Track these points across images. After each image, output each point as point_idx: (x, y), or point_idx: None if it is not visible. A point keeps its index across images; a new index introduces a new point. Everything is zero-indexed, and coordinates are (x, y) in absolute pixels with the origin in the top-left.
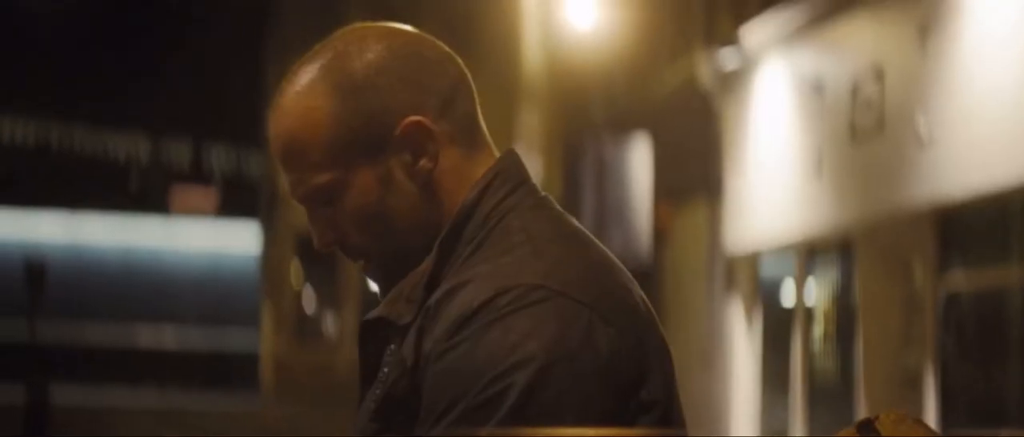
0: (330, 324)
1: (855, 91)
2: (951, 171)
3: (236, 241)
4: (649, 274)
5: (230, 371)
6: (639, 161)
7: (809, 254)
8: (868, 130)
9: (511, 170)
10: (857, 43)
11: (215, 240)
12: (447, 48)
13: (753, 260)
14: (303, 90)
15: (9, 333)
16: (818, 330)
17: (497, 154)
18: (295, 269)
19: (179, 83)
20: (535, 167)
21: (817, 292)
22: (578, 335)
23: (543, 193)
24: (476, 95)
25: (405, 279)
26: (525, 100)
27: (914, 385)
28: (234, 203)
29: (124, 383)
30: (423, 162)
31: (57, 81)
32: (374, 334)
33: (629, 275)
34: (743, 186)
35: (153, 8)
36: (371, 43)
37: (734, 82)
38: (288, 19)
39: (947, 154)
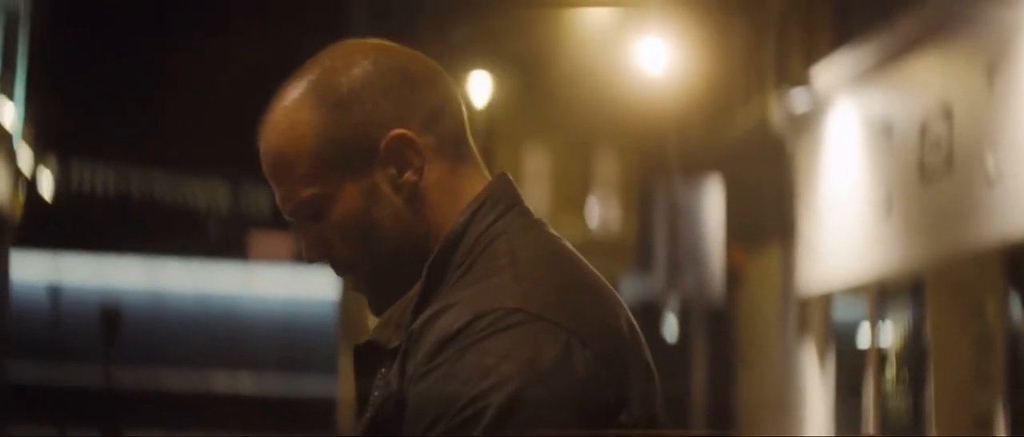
0: None
1: (924, 131)
2: (1020, 209)
3: (314, 287)
4: (722, 316)
5: (307, 417)
6: (712, 203)
7: (880, 295)
8: (937, 169)
9: (501, 193)
10: (925, 83)
11: (293, 286)
12: (437, 65)
13: (825, 301)
14: (291, 105)
15: (86, 378)
16: (890, 371)
17: (487, 176)
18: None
19: (258, 130)
20: (613, 212)
21: (889, 333)
22: (554, 357)
23: (536, 216)
24: (466, 114)
25: (395, 305)
26: (601, 146)
27: (986, 425)
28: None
29: (200, 428)
30: (408, 175)
31: (138, 127)
32: (367, 359)
33: (617, 298)
34: (815, 227)
35: (232, 57)
36: (358, 58)
37: (805, 124)
38: None
39: (1016, 192)
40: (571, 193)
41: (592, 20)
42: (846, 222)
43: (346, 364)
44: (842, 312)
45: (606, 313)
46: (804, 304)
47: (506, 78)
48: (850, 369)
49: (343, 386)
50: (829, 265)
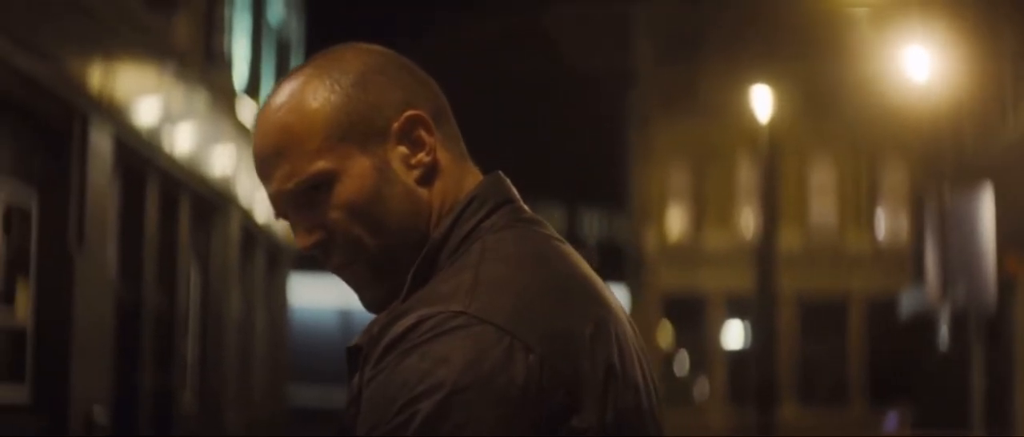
0: (700, 386)
1: None
2: None
3: None
4: (997, 324)
5: None
6: (985, 212)
7: None
8: None
9: (490, 192)
10: None
11: (618, 300)
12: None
13: None
14: (297, 89)
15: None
16: None
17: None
18: (664, 331)
19: (551, 150)
20: (898, 221)
21: None
22: (493, 362)
23: (529, 214)
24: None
25: (386, 311)
26: (884, 157)
27: None
28: (602, 266)
29: None
30: (420, 155)
31: None
32: (352, 362)
33: (599, 301)
34: None
35: (523, 79)
36: (363, 53)
37: None
38: (647, 89)
39: None
40: (857, 205)
41: (858, 31)
42: None
43: None
44: None
45: (567, 316)
46: None
47: (787, 92)
48: None
49: None
50: None
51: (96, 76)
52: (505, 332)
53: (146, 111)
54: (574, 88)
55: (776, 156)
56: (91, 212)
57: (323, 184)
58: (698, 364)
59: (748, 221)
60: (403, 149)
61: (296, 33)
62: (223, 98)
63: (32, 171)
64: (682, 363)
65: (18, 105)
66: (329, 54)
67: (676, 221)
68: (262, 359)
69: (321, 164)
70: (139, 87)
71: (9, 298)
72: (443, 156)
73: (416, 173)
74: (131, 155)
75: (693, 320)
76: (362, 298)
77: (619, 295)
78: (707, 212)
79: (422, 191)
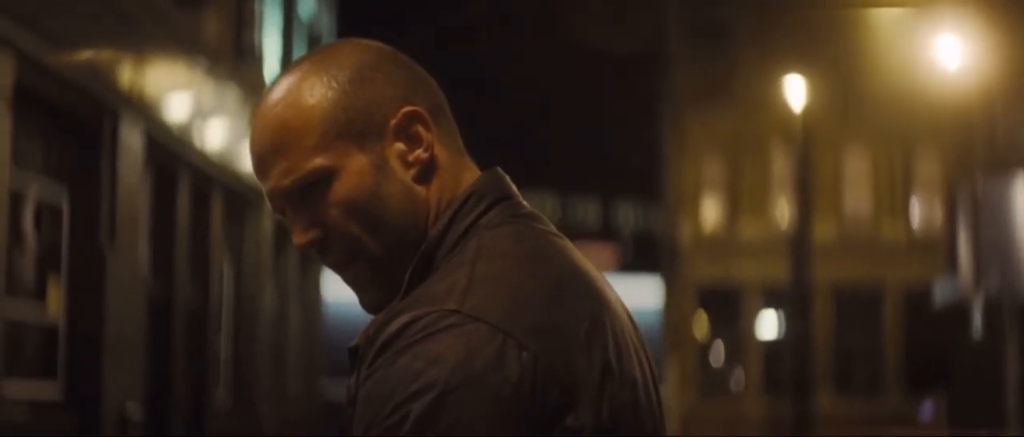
0: (736, 377)
1: None
2: None
3: (639, 296)
4: None
5: None
6: (1017, 199)
7: None
8: None
9: (487, 189)
10: None
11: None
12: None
13: None
14: (294, 85)
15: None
16: None
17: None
18: (700, 323)
19: (586, 145)
20: (932, 210)
21: None
22: (486, 360)
23: (528, 210)
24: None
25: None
26: (918, 146)
27: None
28: (637, 259)
29: None
30: (418, 152)
31: (469, 145)
32: (352, 363)
33: (597, 298)
34: None
35: (561, 74)
36: (360, 49)
37: None
38: (681, 80)
39: None
40: (892, 195)
41: (889, 20)
42: None
43: (673, 372)
44: None
45: (561, 313)
46: None
47: (820, 82)
48: None
49: (670, 395)
50: None
51: (126, 73)
52: (498, 330)
53: (177, 107)
54: (607, 80)
55: (810, 146)
56: (122, 209)
57: (321, 181)
58: (734, 355)
59: (783, 211)
60: (401, 146)
61: (327, 27)
62: (254, 94)
63: (63, 169)
64: (718, 354)
65: (48, 103)
66: (326, 50)
67: (711, 212)
68: (296, 354)
69: (318, 161)
70: (169, 84)
71: (41, 295)
72: (441, 153)
73: (414, 170)
74: (162, 151)
75: (728, 311)
76: (362, 300)
77: (654, 287)
78: (742, 203)
79: (420, 188)
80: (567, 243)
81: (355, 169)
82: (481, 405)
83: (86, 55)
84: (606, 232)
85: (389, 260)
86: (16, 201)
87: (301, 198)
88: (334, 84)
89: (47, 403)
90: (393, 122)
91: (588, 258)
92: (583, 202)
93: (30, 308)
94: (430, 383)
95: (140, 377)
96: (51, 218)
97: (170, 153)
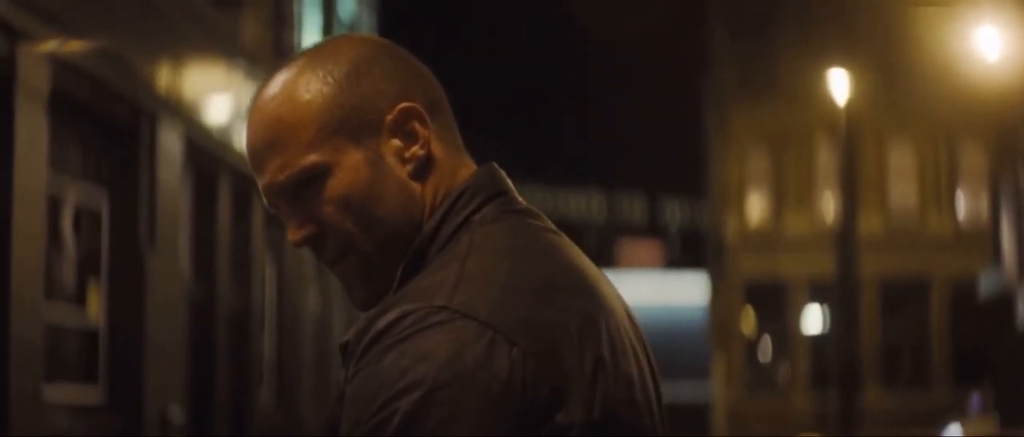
0: (783, 372)
1: None
2: None
3: (685, 292)
4: None
5: (680, 423)
6: None
7: None
8: None
9: (481, 185)
10: None
11: (664, 292)
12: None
13: None
14: (289, 80)
15: None
16: None
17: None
18: (746, 318)
19: (631, 141)
20: (978, 202)
21: None
22: (474, 357)
23: (523, 205)
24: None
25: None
26: (963, 138)
27: None
28: (683, 255)
29: None
30: (414, 149)
31: (518, 144)
32: (343, 359)
33: (590, 293)
34: None
35: (604, 72)
36: (357, 44)
37: None
38: (724, 74)
39: None
40: (937, 187)
41: (931, 12)
42: None
43: (720, 368)
44: None
45: (553, 310)
46: None
47: (863, 75)
48: None
49: (717, 390)
50: None
51: (164, 76)
52: (487, 327)
53: (216, 109)
54: (651, 77)
55: (854, 139)
56: (162, 211)
57: (316, 177)
58: (780, 350)
59: (828, 205)
60: (397, 142)
61: (367, 27)
62: None
63: (102, 172)
64: (765, 349)
65: (87, 106)
66: (323, 45)
67: (756, 207)
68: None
69: (313, 157)
70: (208, 86)
71: (81, 299)
72: (438, 149)
73: (410, 167)
74: (201, 154)
75: (775, 305)
76: (352, 298)
77: (700, 283)
78: (787, 197)
79: (416, 185)
80: (564, 239)
81: (350, 165)
82: (470, 402)
83: (123, 58)
84: (652, 229)
85: (381, 257)
86: (55, 205)
87: (296, 194)
88: (330, 80)
89: (89, 407)
90: (389, 118)
91: (635, 255)
92: (629, 199)
93: (71, 312)
94: (418, 380)
95: (182, 380)
96: (91, 222)
97: (210, 155)
